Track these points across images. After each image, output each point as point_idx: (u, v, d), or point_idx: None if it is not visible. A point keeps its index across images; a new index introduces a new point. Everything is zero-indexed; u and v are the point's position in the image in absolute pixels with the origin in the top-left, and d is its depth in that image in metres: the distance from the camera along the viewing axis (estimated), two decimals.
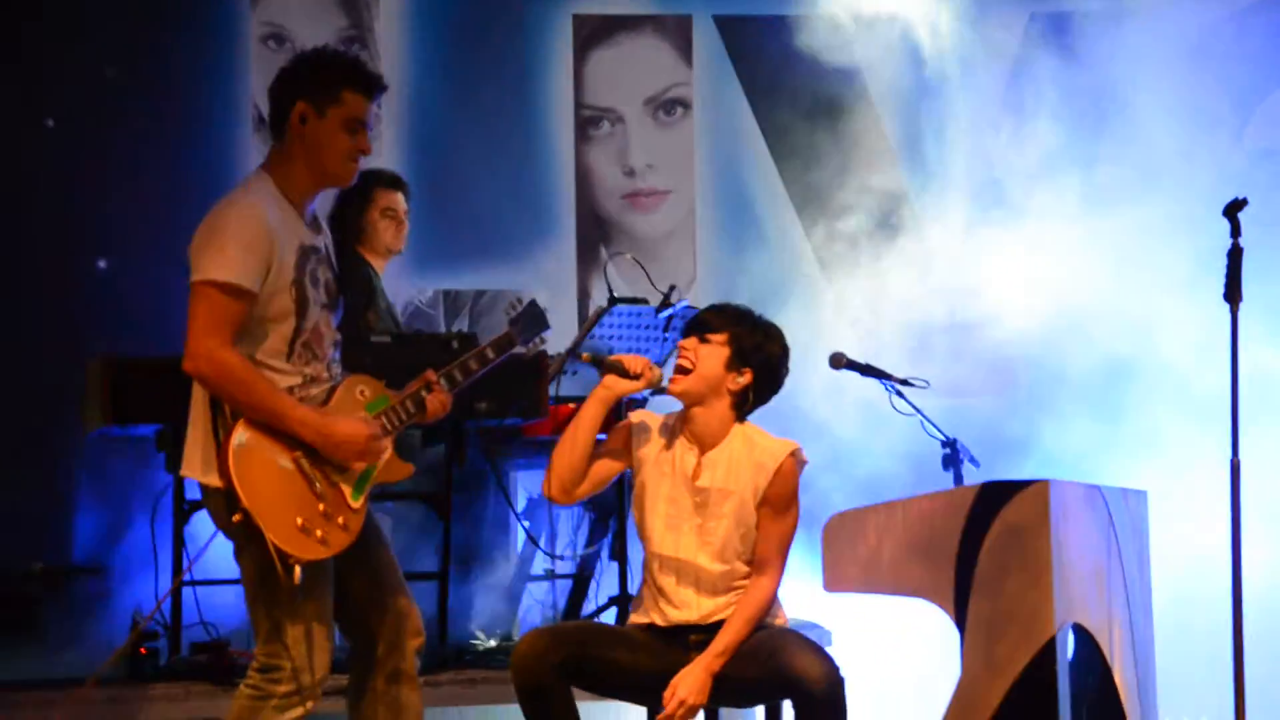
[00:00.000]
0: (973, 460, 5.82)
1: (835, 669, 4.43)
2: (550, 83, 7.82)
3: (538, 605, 6.44)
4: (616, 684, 4.55)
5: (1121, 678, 4.93)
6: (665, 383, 4.59)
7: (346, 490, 4.27)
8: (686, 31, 7.92)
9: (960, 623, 4.69)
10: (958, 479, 5.76)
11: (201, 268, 4.17)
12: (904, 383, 5.75)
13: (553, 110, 7.83)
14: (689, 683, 4.48)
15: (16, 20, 7.33)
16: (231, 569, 6.50)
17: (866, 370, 5.77)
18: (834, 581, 4.81)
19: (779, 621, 4.67)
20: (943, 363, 7.65)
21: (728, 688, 4.50)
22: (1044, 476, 4.71)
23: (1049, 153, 7.87)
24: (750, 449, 4.62)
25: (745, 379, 4.61)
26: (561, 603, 6.40)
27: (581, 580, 6.34)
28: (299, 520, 4.17)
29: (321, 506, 4.22)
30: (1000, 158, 7.92)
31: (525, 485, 6.62)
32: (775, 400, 4.73)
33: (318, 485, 4.22)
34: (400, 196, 6.37)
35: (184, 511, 5.59)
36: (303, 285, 4.27)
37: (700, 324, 4.63)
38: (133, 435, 5.77)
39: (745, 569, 4.62)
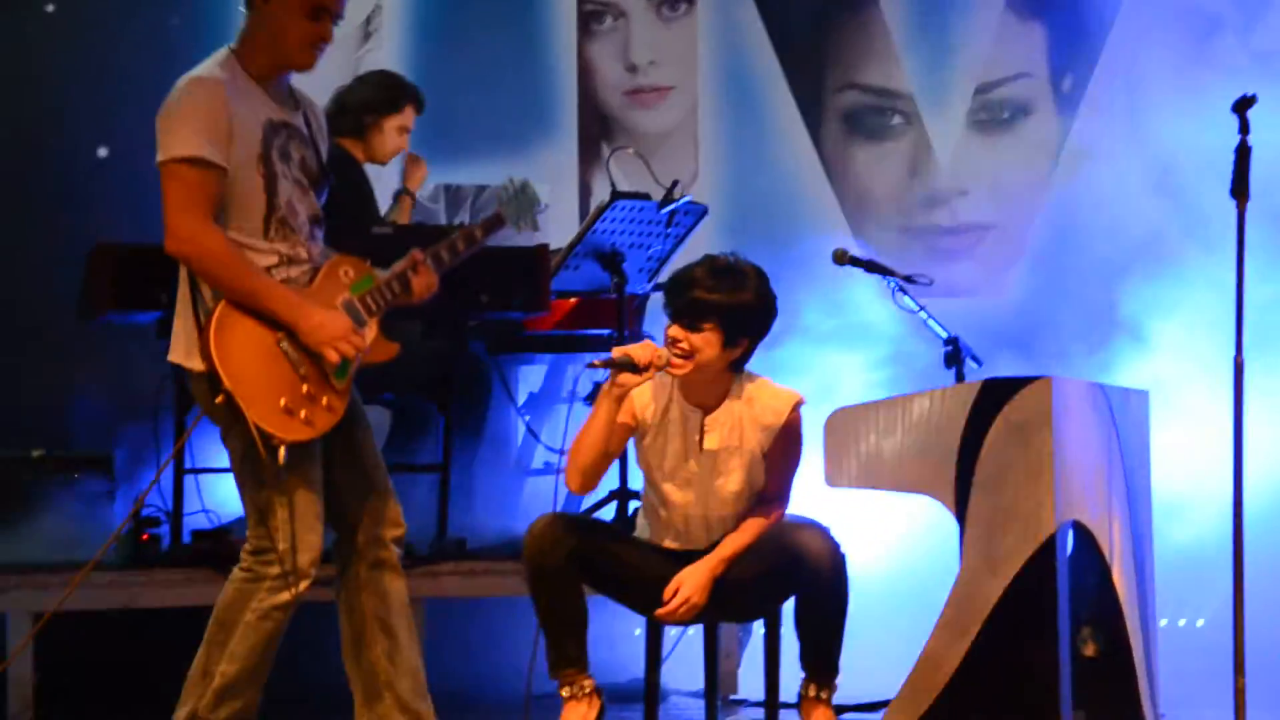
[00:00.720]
0: (975, 358, 5.82)
1: (837, 546, 4.44)
2: None
3: (538, 499, 6.46)
4: (623, 584, 4.56)
5: (1120, 576, 4.96)
6: (668, 365, 4.49)
7: (330, 370, 4.26)
8: None
9: (960, 519, 4.72)
10: (959, 377, 5.77)
11: (164, 146, 4.18)
12: (907, 279, 5.74)
13: (555, 4, 7.76)
14: (692, 580, 4.49)
15: None
16: None
17: (870, 267, 5.77)
18: (836, 476, 4.83)
19: None
20: (944, 262, 7.66)
21: (730, 589, 4.51)
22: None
23: (1049, 50, 7.84)
24: (752, 406, 4.55)
25: (742, 347, 4.54)
26: (562, 499, 6.42)
27: None
28: (282, 401, 4.17)
29: (305, 388, 4.21)
30: (1005, 60, 7.88)
31: (526, 379, 6.63)
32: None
33: (301, 368, 4.22)
34: (414, 119, 6.27)
35: (186, 399, 5.58)
36: (270, 160, 4.24)
37: (684, 312, 4.47)
38: (134, 323, 5.76)
39: (745, 513, 4.60)
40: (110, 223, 6.32)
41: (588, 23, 7.81)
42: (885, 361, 7.01)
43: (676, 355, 4.47)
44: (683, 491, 4.56)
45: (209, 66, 4.27)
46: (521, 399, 6.45)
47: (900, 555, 6.75)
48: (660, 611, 4.51)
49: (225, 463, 6.19)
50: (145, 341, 5.75)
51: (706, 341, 4.47)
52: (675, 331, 4.49)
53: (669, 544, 4.62)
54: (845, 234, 7.68)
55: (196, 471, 5.68)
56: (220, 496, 5.84)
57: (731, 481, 4.55)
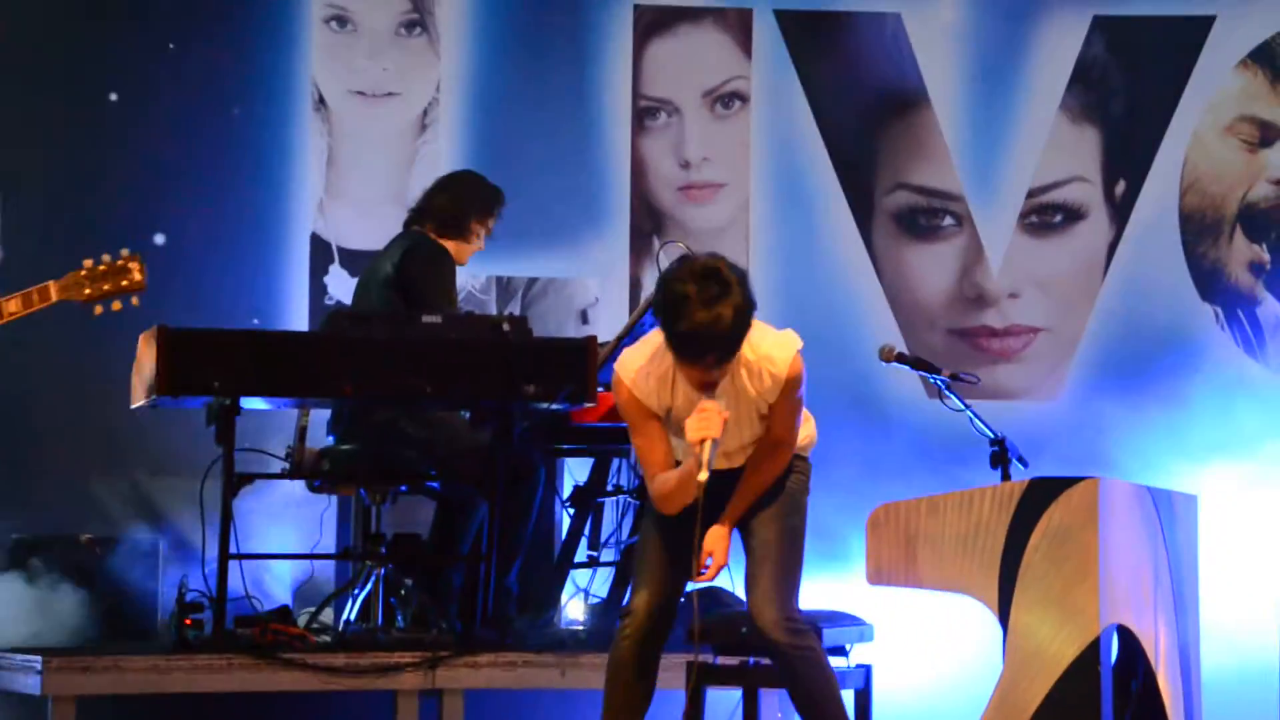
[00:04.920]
0: (1021, 460, 5.79)
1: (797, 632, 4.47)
2: (609, 72, 7.83)
3: (579, 593, 6.45)
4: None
5: (1165, 683, 4.90)
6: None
7: None
8: (747, 24, 7.91)
9: (1004, 620, 4.68)
10: (1005, 478, 5.73)
11: None
12: (954, 378, 5.73)
13: (610, 100, 7.83)
14: (720, 546, 4.52)
15: None
16: (276, 545, 6.56)
17: (916, 364, 5.76)
18: (877, 574, 4.81)
19: (804, 442, 4.63)
20: (993, 363, 7.65)
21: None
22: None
23: (1104, 155, 7.86)
24: (749, 367, 4.48)
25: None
26: (604, 591, 6.40)
27: (624, 569, 6.34)
28: None
29: None
30: (1058, 163, 7.90)
31: (571, 471, 6.63)
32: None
33: None
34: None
35: (233, 484, 5.62)
36: None
37: (712, 360, 4.36)
38: (184, 407, 5.80)
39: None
40: (165, 309, 6.38)
41: (642, 119, 7.88)
42: (930, 460, 6.99)
43: (703, 387, 4.41)
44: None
45: None
46: (566, 490, 6.45)
47: (943, 656, 6.69)
48: (698, 578, 4.52)
49: (270, 549, 6.25)
50: (193, 426, 5.80)
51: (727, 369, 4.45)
52: (711, 372, 4.38)
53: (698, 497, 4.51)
54: (894, 332, 7.68)
55: (241, 557, 5.69)
56: (263, 582, 5.86)
57: (739, 438, 4.54)
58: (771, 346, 4.50)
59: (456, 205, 6.25)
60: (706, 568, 4.53)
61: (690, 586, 4.62)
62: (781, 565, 4.53)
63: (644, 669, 4.55)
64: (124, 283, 5.08)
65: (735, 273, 4.36)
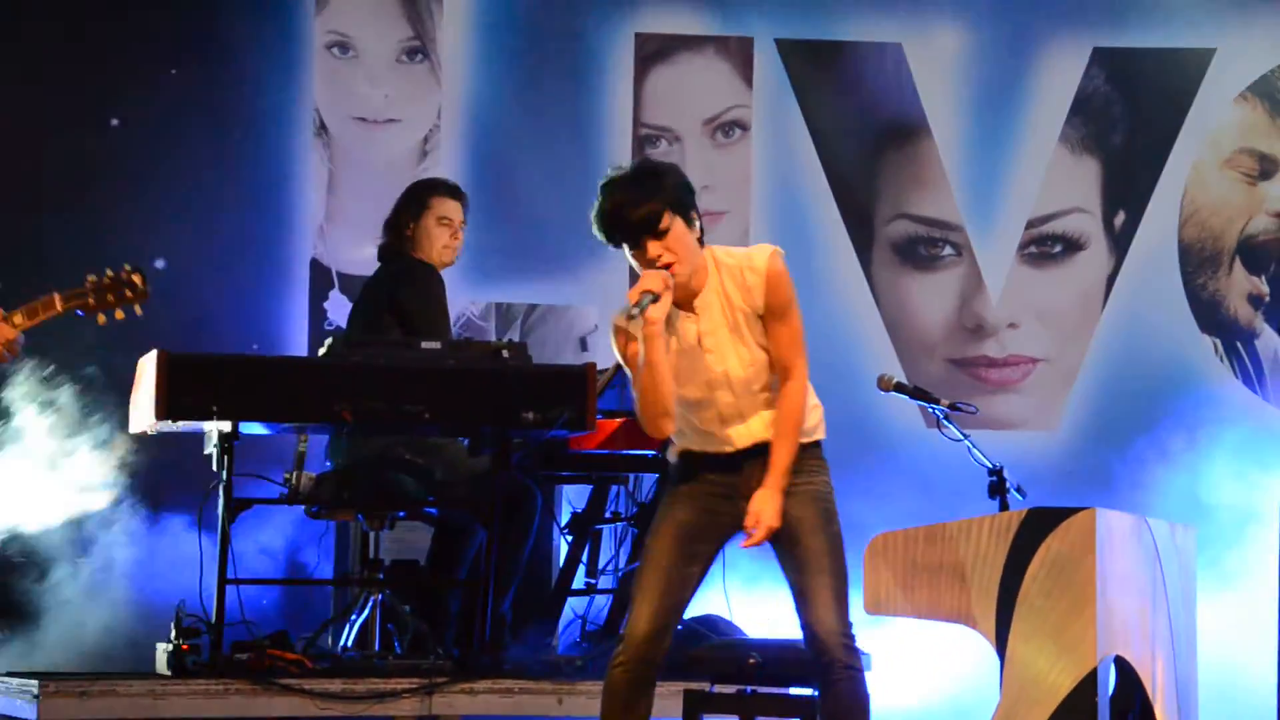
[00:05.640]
0: (1019, 490, 5.80)
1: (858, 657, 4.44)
2: (610, 100, 7.85)
3: (577, 620, 6.45)
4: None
5: (1163, 715, 4.89)
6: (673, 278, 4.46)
7: None
8: (748, 53, 7.94)
9: (1001, 650, 4.68)
10: (1003, 507, 5.74)
11: None
12: (952, 407, 5.74)
13: (611, 127, 7.85)
14: (769, 508, 4.47)
15: (83, 19, 7.40)
16: (272, 569, 6.56)
17: (914, 393, 5.77)
18: (874, 603, 4.81)
19: (814, 424, 4.61)
20: (992, 393, 7.65)
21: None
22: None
23: (1103, 186, 7.87)
24: (729, 272, 4.52)
25: (696, 218, 4.52)
26: (601, 618, 6.40)
27: (622, 597, 6.33)
28: None
29: None
30: (1057, 194, 7.92)
31: (569, 498, 6.63)
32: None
33: None
34: (458, 206, 6.35)
35: (230, 509, 5.62)
36: None
37: (643, 230, 4.43)
38: (183, 432, 5.80)
39: (771, 379, 4.56)
40: (165, 333, 6.39)
41: (643, 146, 7.90)
42: (928, 489, 6.99)
43: (661, 266, 4.43)
44: (706, 394, 4.52)
45: None
46: (564, 517, 6.45)
47: (940, 685, 6.68)
48: (746, 543, 4.50)
49: (267, 573, 6.25)
50: (192, 450, 5.80)
51: (677, 237, 4.45)
52: (652, 250, 4.44)
53: (722, 449, 4.56)
54: (893, 361, 7.69)
55: (239, 582, 5.68)
56: (261, 607, 5.85)
57: (738, 355, 4.52)
58: (749, 250, 4.57)
59: (393, 216, 6.28)
60: (749, 532, 4.48)
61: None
62: (837, 576, 4.49)
63: (637, 696, 4.53)
64: (128, 293, 5.16)
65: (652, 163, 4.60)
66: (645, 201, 4.44)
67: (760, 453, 4.54)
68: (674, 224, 4.46)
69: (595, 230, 4.55)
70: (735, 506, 4.53)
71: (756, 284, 4.51)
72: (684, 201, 4.50)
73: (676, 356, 4.52)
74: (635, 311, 4.39)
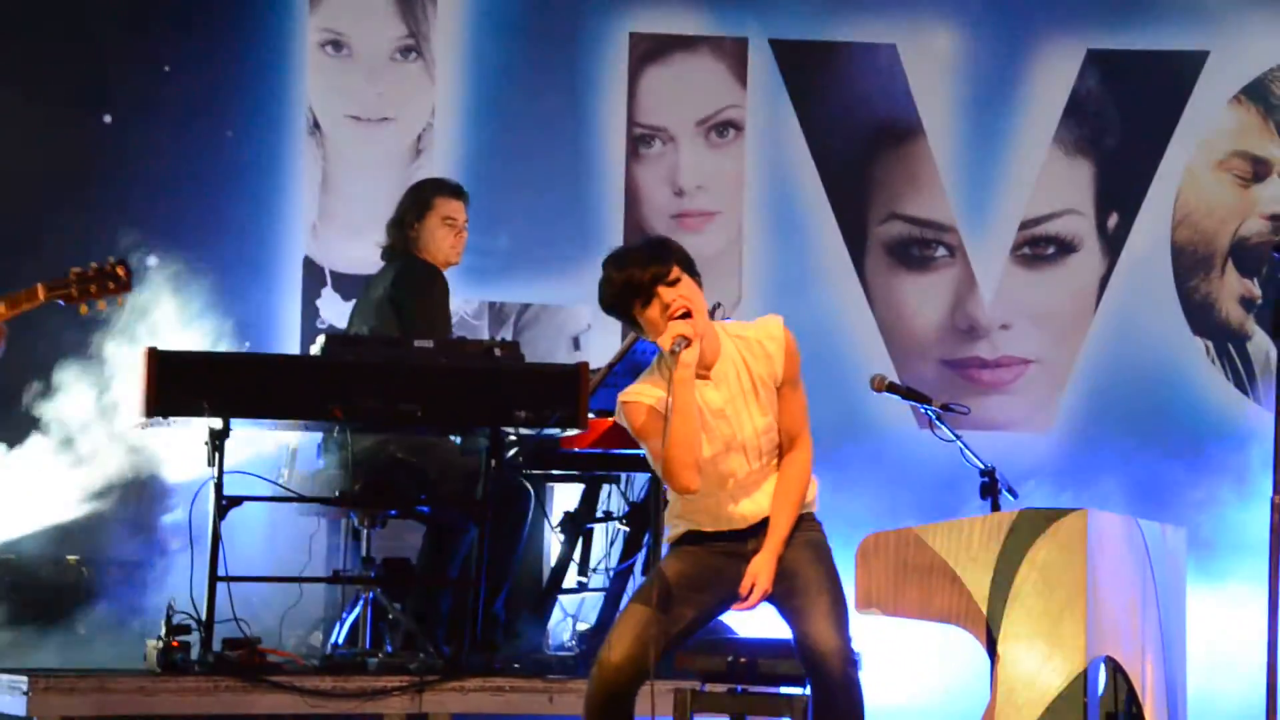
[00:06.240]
0: (1011, 490, 5.80)
1: (852, 656, 4.45)
2: (604, 100, 7.85)
3: (568, 619, 6.45)
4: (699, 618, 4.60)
5: (1152, 716, 4.89)
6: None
7: None
8: (742, 53, 7.94)
9: (991, 650, 4.68)
10: (995, 508, 5.74)
11: None
12: (945, 408, 5.74)
13: (605, 127, 7.86)
14: (766, 572, 4.50)
15: (78, 16, 7.40)
16: (265, 567, 6.55)
17: (907, 394, 5.77)
18: (866, 602, 4.80)
19: (812, 496, 4.63)
20: (984, 394, 7.66)
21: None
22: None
23: (1097, 188, 7.88)
24: (745, 343, 4.55)
25: (702, 289, 4.54)
26: (592, 617, 6.39)
27: (614, 596, 6.33)
28: None
29: None
30: (1050, 195, 7.93)
31: (561, 496, 6.62)
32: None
33: None
34: (461, 206, 6.36)
35: (222, 506, 5.62)
36: None
37: (656, 281, 4.44)
38: (175, 429, 5.80)
39: (778, 449, 4.58)
40: (157, 330, 6.39)
41: (636, 147, 7.90)
42: (920, 490, 6.99)
43: (680, 317, 4.44)
44: (714, 466, 4.52)
45: None
46: (556, 516, 6.45)
47: (930, 685, 6.68)
48: (740, 606, 4.53)
49: (258, 571, 6.25)
50: (185, 447, 5.80)
51: (690, 289, 4.48)
52: (666, 295, 4.44)
53: (722, 526, 4.57)
54: (885, 362, 7.70)
55: (230, 579, 5.68)
56: (251, 604, 5.84)
57: (755, 423, 4.53)
58: (762, 322, 4.60)
59: (397, 214, 6.29)
60: (747, 598, 4.51)
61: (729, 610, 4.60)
62: (836, 596, 4.52)
63: (615, 713, 4.54)
64: (110, 285, 5.16)
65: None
66: (654, 259, 4.48)
67: (764, 526, 4.58)
68: (686, 280, 4.49)
69: (603, 303, 4.56)
70: (738, 567, 4.56)
71: (777, 353, 4.55)
72: (691, 267, 4.52)
73: (705, 444, 4.50)
74: (676, 348, 4.41)
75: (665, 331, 4.44)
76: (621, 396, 4.58)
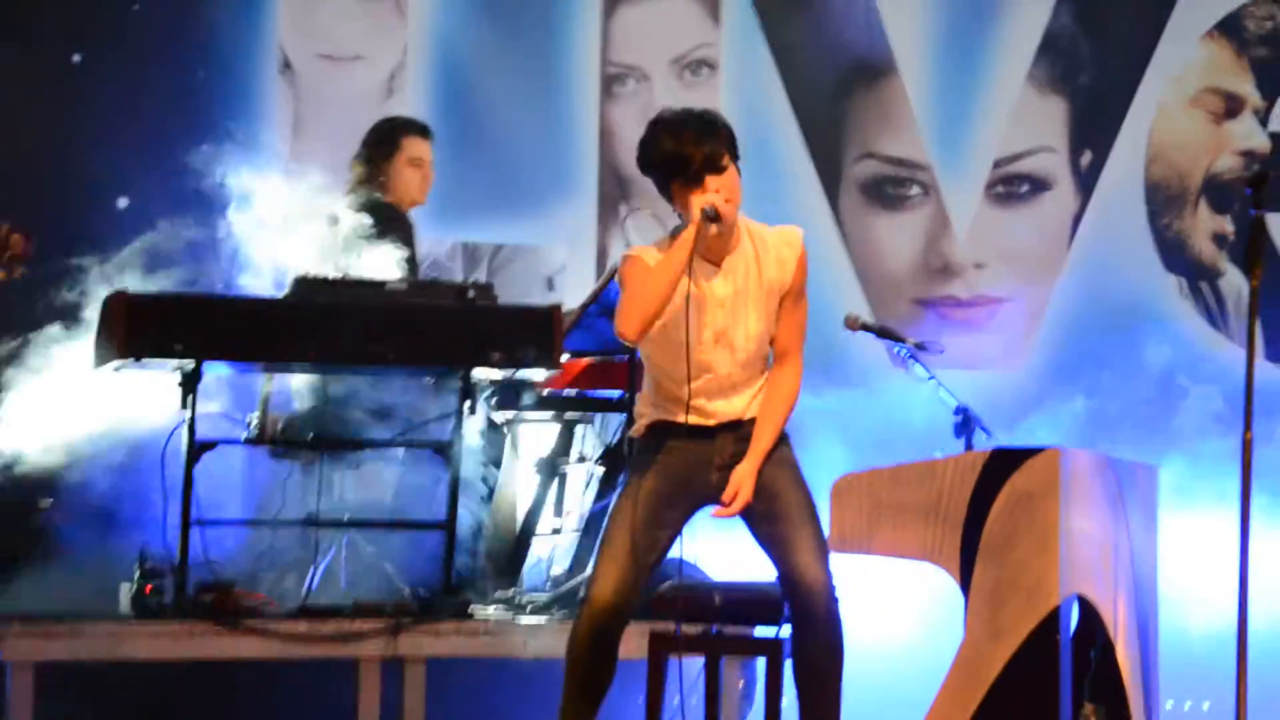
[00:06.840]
0: (985, 429, 5.82)
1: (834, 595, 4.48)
2: (577, 38, 7.80)
3: (542, 561, 6.45)
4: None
5: (1124, 653, 4.92)
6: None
7: None
8: None
9: (965, 588, 4.70)
10: (969, 447, 5.76)
11: None
12: (919, 347, 5.75)
13: (578, 66, 7.81)
14: (749, 483, 4.51)
15: None
16: (238, 512, 6.55)
17: (881, 332, 5.78)
18: (840, 542, 4.81)
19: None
20: (959, 333, 7.66)
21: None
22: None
23: (1070, 125, 7.87)
24: (763, 244, 4.54)
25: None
26: (567, 561, 6.40)
27: (588, 537, 6.33)
28: None
29: None
30: (1024, 134, 7.92)
31: (535, 438, 6.61)
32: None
33: None
34: (428, 145, 6.33)
35: (194, 450, 5.59)
36: None
37: (710, 166, 4.41)
38: (148, 372, 5.77)
39: (765, 359, 4.59)
40: (127, 273, 6.34)
41: (610, 85, 7.86)
42: (894, 429, 7.01)
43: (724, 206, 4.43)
44: (701, 357, 4.51)
45: None
46: (530, 458, 6.44)
47: (907, 622, 6.71)
48: (719, 513, 4.54)
49: (231, 515, 6.23)
50: (157, 390, 5.77)
51: (733, 180, 4.47)
52: (711, 184, 4.41)
53: (694, 420, 4.55)
54: (860, 301, 7.69)
55: (203, 523, 5.66)
56: (225, 548, 5.83)
57: (750, 325, 4.53)
58: (782, 229, 4.60)
59: (363, 151, 6.29)
60: (725, 503, 4.52)
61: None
62: (817, 527, 4.56)
63: (602, 655, 4.54)
64: (5, 255, 5.11)
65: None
66: (710, 140, 4.43)
67: (733, 428, 4.57)
68: (732, 170, 4.47)
69: (642, 162, 4.54)
70: (708, 476, 4.57)
71: (791, 259, 4.56)
72: (735, 150, 4.51)
73: (694, 305, 4.48)
74: (706, 214, 4.37)
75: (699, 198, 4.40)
76: (627, 251, 4.60)
